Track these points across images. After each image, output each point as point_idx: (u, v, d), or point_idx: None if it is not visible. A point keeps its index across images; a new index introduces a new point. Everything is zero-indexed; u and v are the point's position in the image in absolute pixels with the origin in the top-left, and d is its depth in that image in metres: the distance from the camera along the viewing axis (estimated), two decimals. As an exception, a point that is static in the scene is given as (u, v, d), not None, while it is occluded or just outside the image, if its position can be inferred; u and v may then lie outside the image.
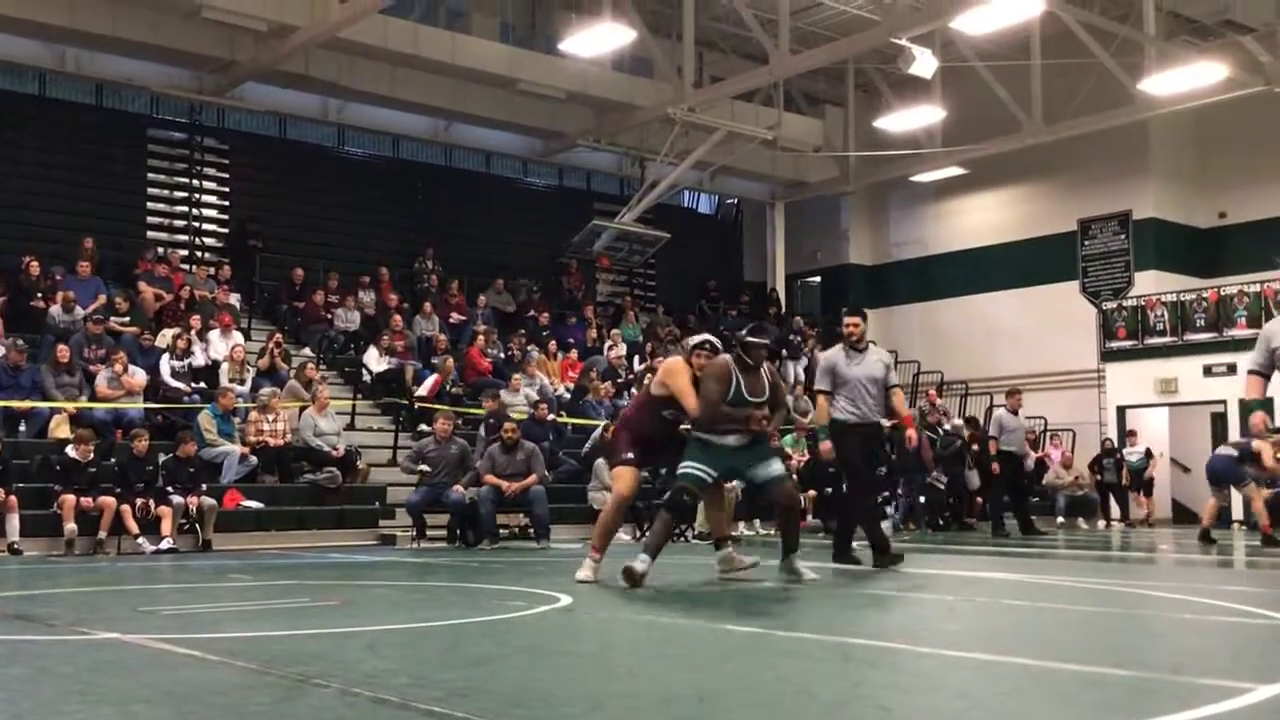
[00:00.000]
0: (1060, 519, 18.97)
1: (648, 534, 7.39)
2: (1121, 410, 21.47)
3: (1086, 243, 23.25)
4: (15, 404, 13.21)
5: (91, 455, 12.12)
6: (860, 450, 8.88)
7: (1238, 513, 16.76)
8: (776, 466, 7.48)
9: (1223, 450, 13.77)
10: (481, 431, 14.59)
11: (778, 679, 3.79)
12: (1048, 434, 21.36)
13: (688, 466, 7.17)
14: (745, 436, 7.30)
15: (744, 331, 7.66)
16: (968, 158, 22.72)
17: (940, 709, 3.34)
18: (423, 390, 16.43)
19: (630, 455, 7.52)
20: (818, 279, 27.52)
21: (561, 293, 22.53)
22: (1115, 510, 19.83)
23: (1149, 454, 20.04)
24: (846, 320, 8.94)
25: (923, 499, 17.31)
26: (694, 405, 7.25)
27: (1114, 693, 3.52)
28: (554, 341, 19.55)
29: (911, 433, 9.43)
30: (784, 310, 25.47)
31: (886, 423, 9.67)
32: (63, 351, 13.69)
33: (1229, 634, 5.13)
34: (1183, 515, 21.35)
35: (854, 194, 25.87)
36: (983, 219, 24.75)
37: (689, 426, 7.38)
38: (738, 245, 27.82)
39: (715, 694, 3.52)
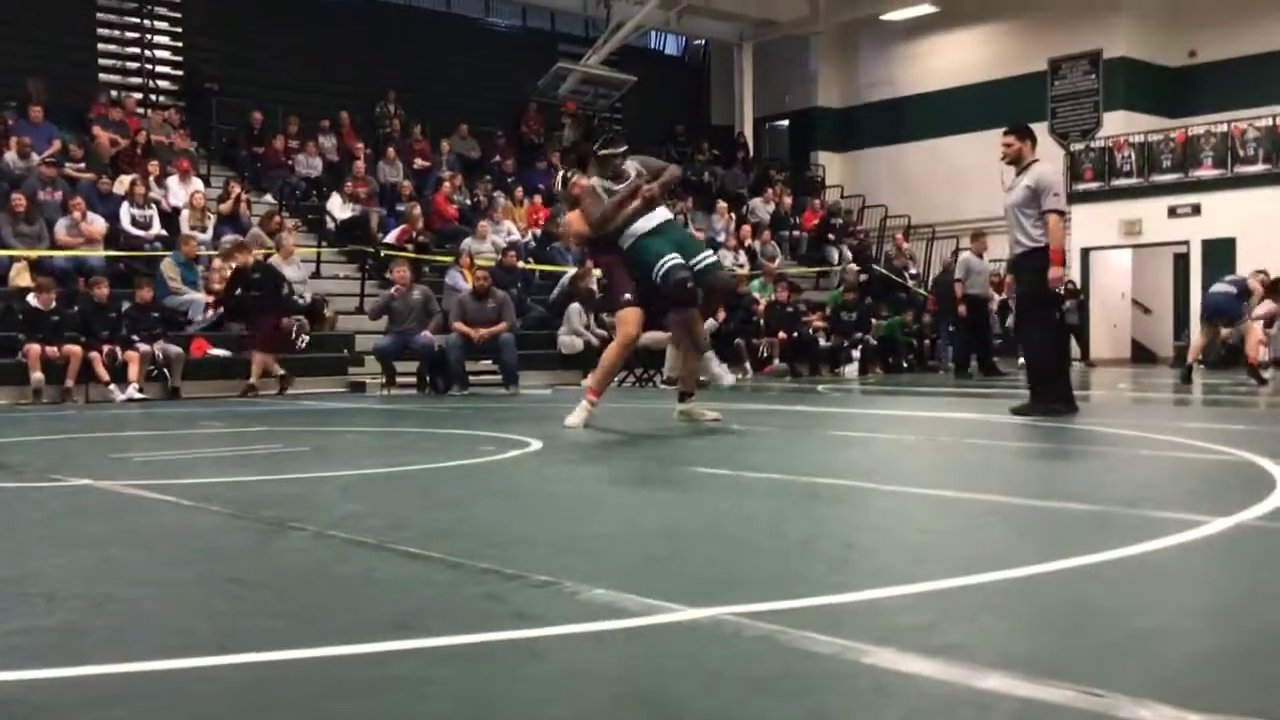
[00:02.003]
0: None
1: (695, 339, 7.45)
2: (1085, 252, 21.59)
3: (1056, 83, 23.01)
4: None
5: (54, 304, 12.00)
6: (1020, 286, 8.27)
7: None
8: (710, 256, 7.47)
9: (1220, 286, 13.58)
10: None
11: (746, 518, 3.87)
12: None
13: (666, 261, 7.00)
14: (655, 213, 7.18)
15: (596, 145, 7.51)
16: (939, -5, 22.26)
17: (904, 543, 3.44)
18: (389, 238, 16.25)
19: (629, 295, 7.28)
20: (786, 122, 27.19)
21: (524, 138, 22.16)
22: (1076, 351, 20.09)
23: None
24: (1001, 140, 8.19)
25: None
26: (586, 225, 7.23)
27: (1072, 526, 3.62)
28: (520, 188, 19.31)
29: (1054, 272, 7.79)
30: (751, 154, 25.21)
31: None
32: (19, 200, 13.41)
33: (1185, 469, 5.26)
34: (1142, 355, 21.74)
35: (823, 34, 25.34)
36: (952, 59, 24.40)
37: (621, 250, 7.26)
38: (705, 89, 27.35)
39: (684, 533, 3.60)
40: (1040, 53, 22.98)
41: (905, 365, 17.87)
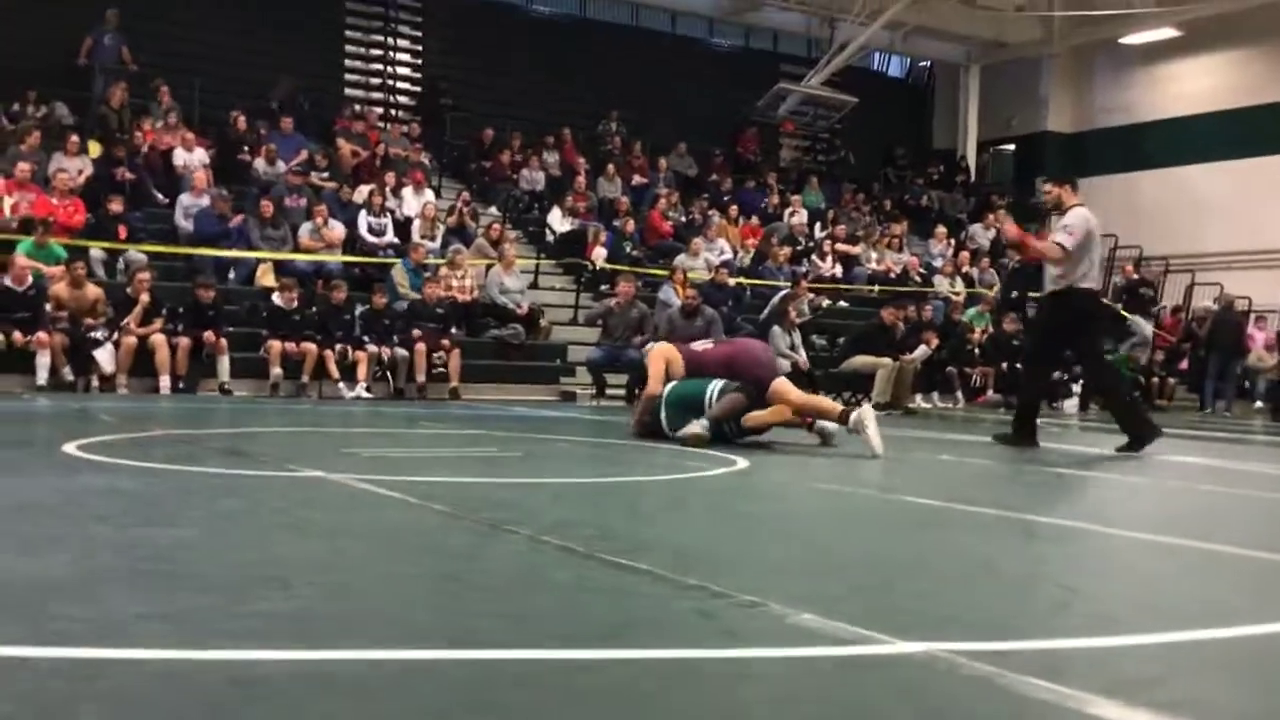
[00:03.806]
0: (1258, 404, 18.13)
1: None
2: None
3: (1309, 112, 21.55)
4: (224, 253, 13.93)
5: (295, 303, 12.75)
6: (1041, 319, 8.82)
7: None
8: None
9: None
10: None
11: (958, 553, 3.77)
12: (1252, 315, 20.25)
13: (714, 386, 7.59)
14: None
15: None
16: (1183, 19, 21.19)
17: (1129, 590, 3.29)
18: (600, 261, 16.41)
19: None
20: (1011, 147, 26.37)
21: (740, 158, 22.24)
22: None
23: None
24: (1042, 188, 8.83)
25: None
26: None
27: (1316, 587, 3.39)
28: (735, 206, 19.39)
29: (1010, 228, 8.65)
30: (973, 179, 24.60)
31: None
32: (267, 205, 14.29)
33: None
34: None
35: (1056, 57, 24.50)
36: (1195, 85, 23.14)
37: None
38: (928, 110, 26.84)
39: (894, 563, 3.54)
40: (1291, 81, 21.60)
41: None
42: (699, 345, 8.26)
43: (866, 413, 7.22)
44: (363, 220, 15.16)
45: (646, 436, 7.62)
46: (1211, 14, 20.73)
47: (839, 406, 7.79)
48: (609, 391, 13.36)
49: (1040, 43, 23.97)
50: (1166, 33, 22.21)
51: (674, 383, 7.70)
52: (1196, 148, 22.50)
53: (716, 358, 7.86)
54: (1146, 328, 18.93)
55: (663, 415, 7.60)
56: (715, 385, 7.45)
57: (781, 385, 7.66)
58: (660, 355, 7.92)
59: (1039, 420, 8.76)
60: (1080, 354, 8.85)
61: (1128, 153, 24.06)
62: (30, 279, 11.68)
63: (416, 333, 13.03)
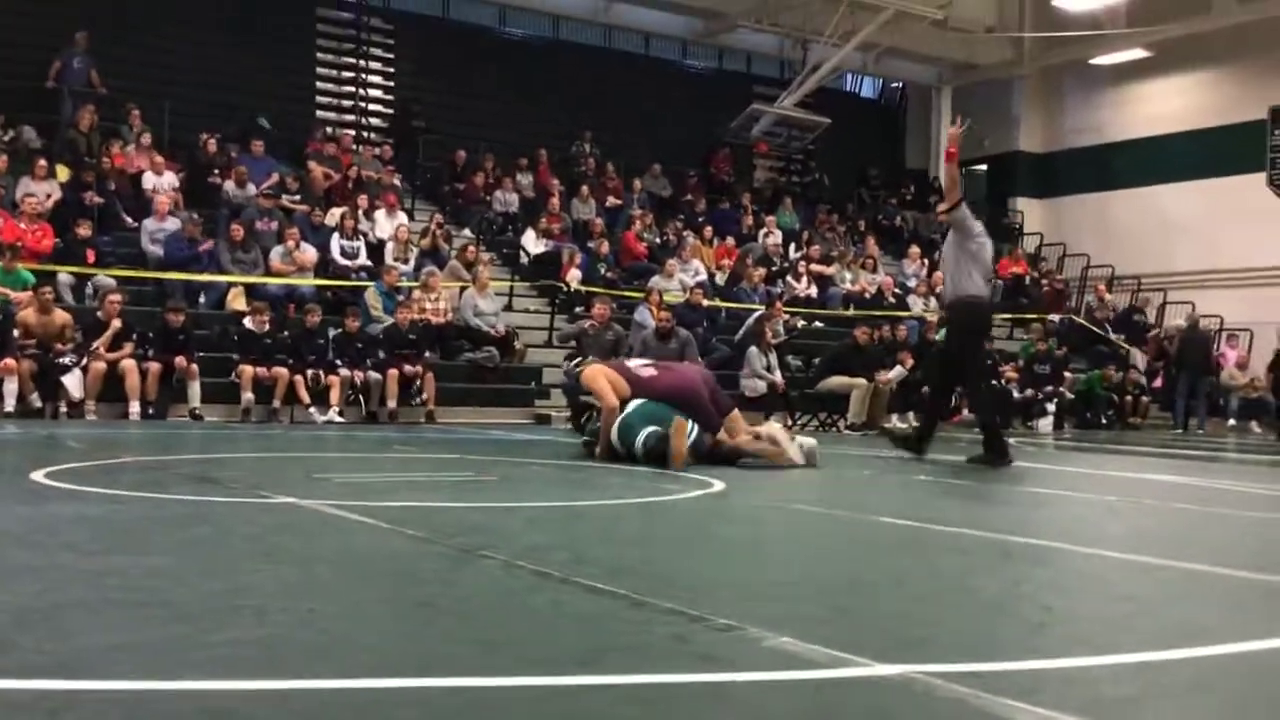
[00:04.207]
0: (1232, 421, 18.26)
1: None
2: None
3: (1277, 132, 21.77)
4: (194, 276, 13.82)
5: (267, 327, 12.66)
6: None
7: None
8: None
9: None
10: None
11: (935, 573, 3.76)
12: (1223, 334, 20.44)
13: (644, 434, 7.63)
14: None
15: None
16: (1152, 39, 21.42)
17: (1105, 610, 3.28)
18: (574, 283, 16.40)
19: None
20: (984, 167, 26.56)
21: (714, 178, 22.29)
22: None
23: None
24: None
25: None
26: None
27: (1291, 604, 3.39)
28: (709, 227, 19.42)
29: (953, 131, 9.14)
30: (946, 199, 24.77)
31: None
32: (237, 229, 14.21)
33: None
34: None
35: (1027, 77, 24.73)
36: (1165, 105, 23.41)
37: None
38: (900, 131, 27.00)
39: (870, 585, 3.52)
40: (1261, 100, 21.78)
41: (1104, 421, 17.16)
42: (639, 369, 8.11)
43: (774, 429, 7.47)
44: (335, 243, 15.09)
45: (617, 459, 7.57)
46: (1180, 35, 20.97)
47: (755, 443, 7.76)
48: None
49: (1011, 63, 24.17)
50: (1136, 53, 22.43)
51: (640, 402, 7.63)
52: (1167, 168, 22.74)
53: (667, 388, 7.80)
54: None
55: (615, 430, 7.55)
56: (696, 428, 7.46)
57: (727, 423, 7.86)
58: (601, 374, 7.89)
59: (1012, 439, 8.84)
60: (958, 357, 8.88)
61: (1099, 172, 24.30)
62: (-3, 304, 11.57)
63: (407, 367, 12.92)
